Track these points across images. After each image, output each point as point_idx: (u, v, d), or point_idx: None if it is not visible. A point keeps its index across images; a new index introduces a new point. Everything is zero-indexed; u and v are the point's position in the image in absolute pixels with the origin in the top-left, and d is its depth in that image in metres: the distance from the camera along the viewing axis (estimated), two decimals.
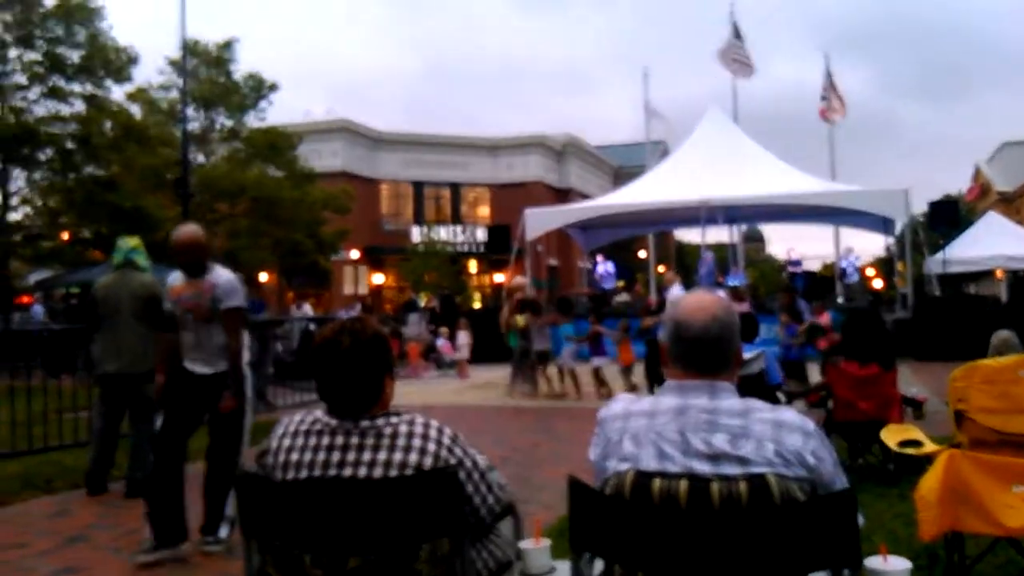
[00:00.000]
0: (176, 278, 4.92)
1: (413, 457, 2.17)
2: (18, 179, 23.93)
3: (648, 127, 28.73)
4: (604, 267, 25.11)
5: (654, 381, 11.50)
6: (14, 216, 24.16)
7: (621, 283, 26.16)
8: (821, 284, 23.48)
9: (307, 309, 26.71)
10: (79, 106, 23.52)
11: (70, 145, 23.28)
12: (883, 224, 20.20)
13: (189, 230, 4.90)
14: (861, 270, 25.37)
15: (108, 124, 23.55)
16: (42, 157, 23.66)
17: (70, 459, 7.35)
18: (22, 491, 6.47)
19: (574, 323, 13.05)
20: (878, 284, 30.48)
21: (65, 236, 24.70)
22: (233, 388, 4.76)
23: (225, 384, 4.78)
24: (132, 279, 6.51)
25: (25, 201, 24.47)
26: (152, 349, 6.20)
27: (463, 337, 16.77)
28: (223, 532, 4.79)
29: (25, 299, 25.53)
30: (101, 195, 22.78)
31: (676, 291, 11.60)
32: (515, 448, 8.16)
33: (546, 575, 2.37)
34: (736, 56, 27.23)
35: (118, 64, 23.93)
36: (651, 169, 23.26)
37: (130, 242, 6.74)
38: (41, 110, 23.26)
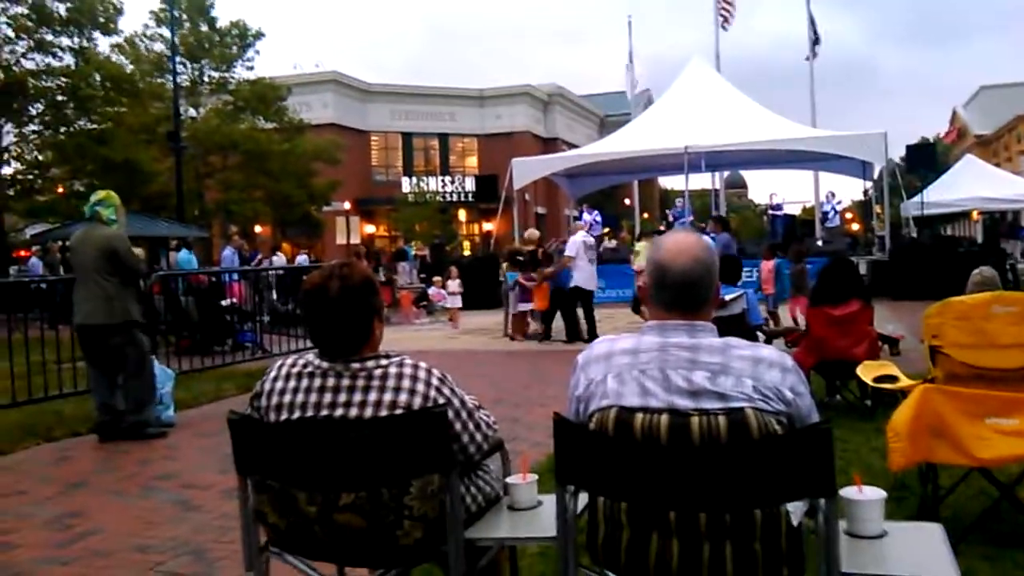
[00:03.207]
0: None
1: (403, 397, 2.22)
2: (9, 134, 23.97)
3: (632, 77, 28.99)
4: (590, 215, 25.51)
5: (550, 322, 12.56)
6: (6, 170, 24.27)
7: (607, 230, 26.59)
8: (800, 228, 23.90)
9: (277, 260, 26.98)
10: (68, 59, 23.48)
11: (60, 98, 23.31)
12: (862, 168, 20.49)
13: None
14: (841, 214, 25.78)
15: (97, 76, 23.60)
16: (33, 111, 23.71)
17: (70, 408, 7.36)
18: (23, 440, 6.43)
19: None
20: (856, 227, 31.02)
21: (60, 190, 24.88)
22: None
23: None
24: (95, 232, 6.44)
25: (17, 156, 24.53)
26: (118, 303, 6.33)
27: (453, 285, 16.53)
28: None
29: (23, 253, 25.80)
30: (93, 149, 22.87)
31: (575, 238, 12.27)
32: (506, 390, 8.26)
33: (532, 509, 2.45)
34: (723, 5, 27.52)
35: (105, 16, 23.91)
36: (635, 117, 23.57)
37: (99, 194, 6.66)
38: (30, 64, 23.19)
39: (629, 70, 29.02)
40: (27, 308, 11.61)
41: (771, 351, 2.00)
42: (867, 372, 5.04)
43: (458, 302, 16.26)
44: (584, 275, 12.09)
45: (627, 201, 38.70)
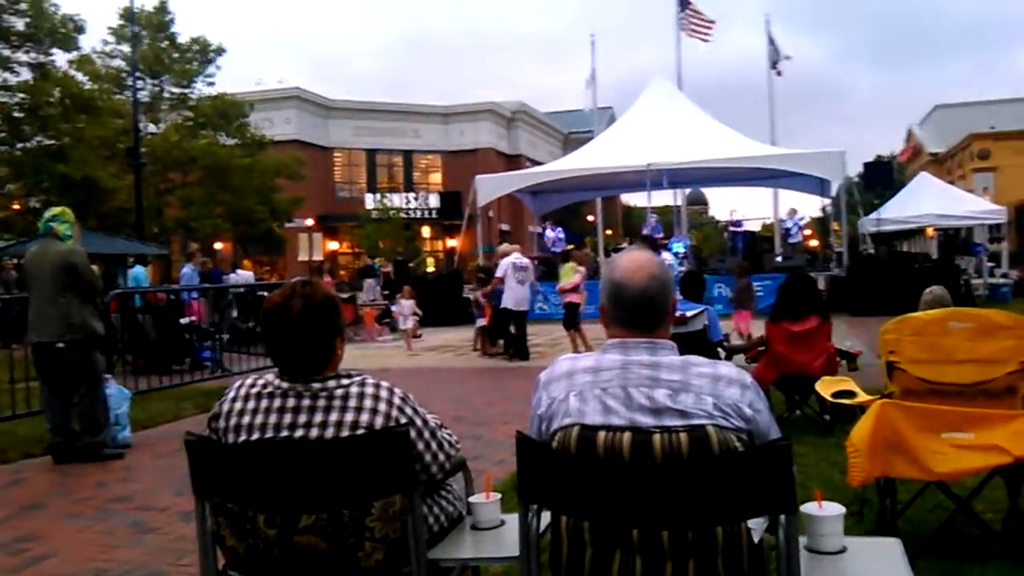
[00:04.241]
0: None
1: (364, 417, 2.18)
2: None
3: (595, 95, 29.28)
4: (554, 232, 25.58)
5: (494, 340, 13.04)
6: None
7: (570, 246, 26.65)
8: (760, 244, 24.19)
9: (235, 277, 26.46)
10: (25, 75, 23.23)
11: (17, 114, 23.05)
12: (820, 185, 20.80)
13: None
14: (802, 230, 26.16)
15: (56, 92, 23.29)
16: None
17: (24, 429, 7.23)
18: None
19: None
20: (815, 243, 31.51)
21: (15, 206, 24.49)
22: None
23: None
24: (52, 248, 6.34)
25: None
26: (77, 319, 6.20)
27: (406, 307, 15.53)
28: None
29: None
30: (51, 165, 22.60)
31: (505, 259, 12.42)
32: (469, 407, 8.25)
33: (495, 528, 2.43)
34: (693, 25, 27.85)
35: (64, 32, 23.64)
36: (598, 135, 23.76)
37: (53, 210, 6.59)
38: None
39: (591, 88, 29.29)
40: None
41: (730, 368, 2.01)
42: (825, 387, 5.07)
43: (410, 323, 15.51)
44: (513, 296, 12.12)
45: (590, 218, 38.93)
